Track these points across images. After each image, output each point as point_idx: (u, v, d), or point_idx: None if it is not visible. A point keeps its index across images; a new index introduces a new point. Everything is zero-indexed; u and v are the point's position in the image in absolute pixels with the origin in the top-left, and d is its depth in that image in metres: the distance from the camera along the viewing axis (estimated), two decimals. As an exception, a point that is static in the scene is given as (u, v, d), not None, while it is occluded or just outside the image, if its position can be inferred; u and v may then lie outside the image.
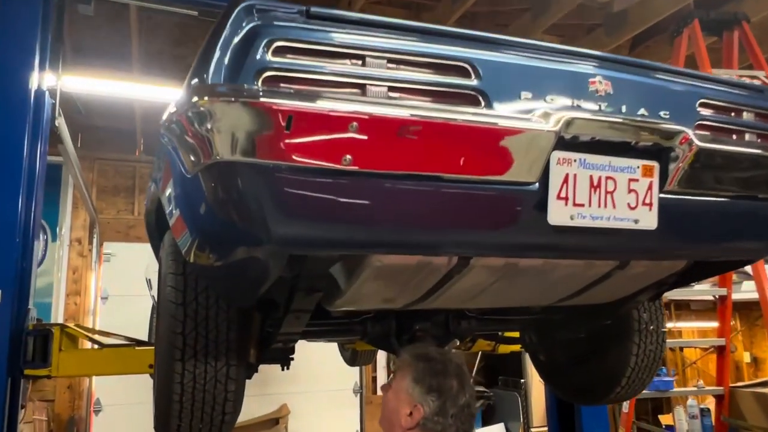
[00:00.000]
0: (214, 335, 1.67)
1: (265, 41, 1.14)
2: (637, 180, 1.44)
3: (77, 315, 6.12)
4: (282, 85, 1.14)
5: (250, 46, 1.13)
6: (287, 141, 1.08)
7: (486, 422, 6.92)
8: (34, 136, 2.81)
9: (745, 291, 5.11)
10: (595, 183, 1.39)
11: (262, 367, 2.08)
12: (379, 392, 7.25)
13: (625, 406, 4.35)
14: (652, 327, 2.30)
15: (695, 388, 4.58)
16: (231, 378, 1.71)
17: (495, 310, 2.37)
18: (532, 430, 6.65)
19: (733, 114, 1.61)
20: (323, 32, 1.21)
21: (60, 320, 5.87)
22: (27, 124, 2.76)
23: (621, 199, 1.42)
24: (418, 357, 1.71)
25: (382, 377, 7.36)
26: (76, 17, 3.98)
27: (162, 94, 4.27)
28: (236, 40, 1.15)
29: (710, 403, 4.89)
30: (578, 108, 1.36)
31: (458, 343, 2.37)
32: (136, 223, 6.59)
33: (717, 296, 4.45)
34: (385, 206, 1.21)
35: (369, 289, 1.54)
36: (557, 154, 1.34)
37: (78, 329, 2.55)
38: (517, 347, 3.12)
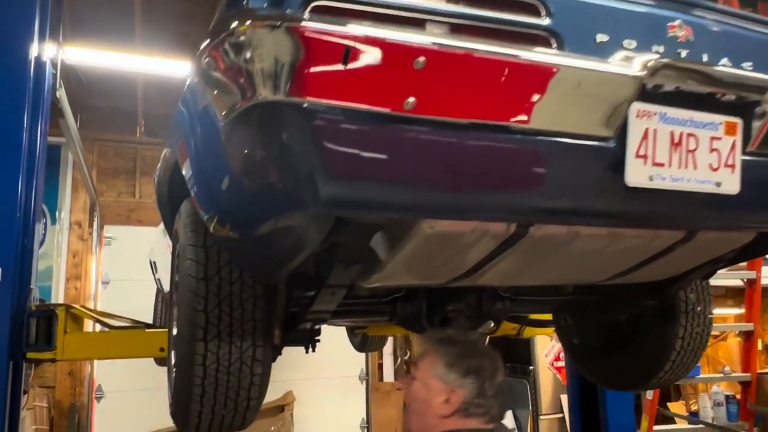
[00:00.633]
0: (239, 313, 1.51)
1: None
2: (719, 138, 1.28)
3: (77, 300, 5.96)
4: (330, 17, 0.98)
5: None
6: (342, 78, 0.92)
7: (494, 409, 6.80)
8: (35, 107, 2.64)
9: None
10: (676, 140, 1.23)
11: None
12: (386, 379, 7.15)
13: (650, 393, 4.23)
14: (699, 308, 2.16)
15: (721, 375, 4.46)
16: (257, 360, 1.55)
17: (531, 290, 2.22)
18: (540, 417, 6.55)
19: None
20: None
21: (60, 305, 5.72)
22: (27, 93, 2.59)
23: (703, 159, 1.26)
24: (443, 341, 1.63)
25: (388, 364, 7.24)
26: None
27: (165, 68, 4.08)
28: None
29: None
30: (657, 55, 1.20)
31: (492, 325, 2.22)
32: (138, 206, 6.42)
33: (745, 279, 4.32)
34: (448, 161, 1.05)
35: (413, 260, 1.38)
36: (637, 106, 1.18)
37: (84, 310, 2.39)
38: (545, 331, 2.97)
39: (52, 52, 2.91)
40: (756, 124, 1.30)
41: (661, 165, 1.22)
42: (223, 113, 1.03)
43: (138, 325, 2.46)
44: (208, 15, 1.13)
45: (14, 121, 2.52)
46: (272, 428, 5.72)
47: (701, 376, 4.38)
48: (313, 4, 0.97)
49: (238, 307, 1.51)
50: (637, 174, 1.19)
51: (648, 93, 1.18)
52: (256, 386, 1.58)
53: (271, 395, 5.86)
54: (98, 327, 3.07)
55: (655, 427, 4.25)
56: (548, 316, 2.64)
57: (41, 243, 5.92)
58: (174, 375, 1.64)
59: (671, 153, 1.23)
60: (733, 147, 1.29)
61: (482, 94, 1.02)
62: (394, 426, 6.80)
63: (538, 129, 1.10)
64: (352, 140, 0.98)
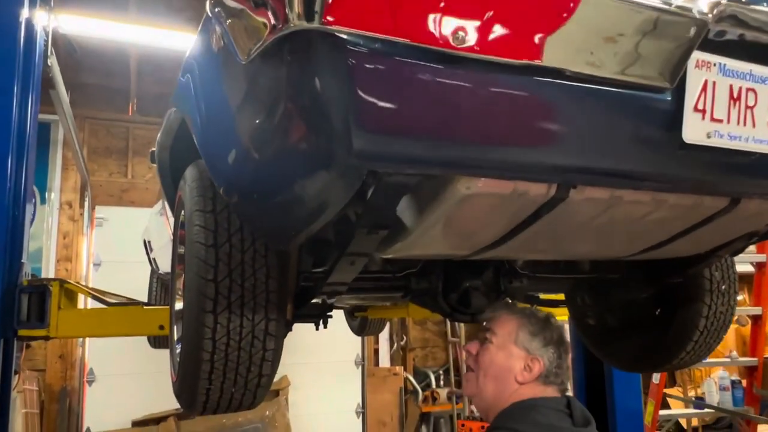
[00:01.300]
0: (251, 283, 1.40)
1: None
2: (779, 94, 1.18)
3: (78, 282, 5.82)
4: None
5: None
6: (384, 3, 0.80)
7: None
8: (26, 75, 2.50)
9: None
10: (735, 95, 1.13)
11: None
12: (382, 364, 7.08)
13: (656, 377, 4.18)
14: (724, 287, 2.07)
15: (728, 359, 4.42)
16: (270, 334, 1.44)
17: (549, 267, 2.13)
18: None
19: None
20: None
21: (50, 287, 5.57)
22: (17, 60, 2.45)
23: (761, 116, 1.16)
24: (522, 311, 1.67)
25: (384, 349, 7.17)
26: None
27: (160, 40, 3.92)
28: None
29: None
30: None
31: (505, 302, 2.12)
32: (130, 186, 6.28)
33: (755, 263, 4.26)
34: (498, 109, 0.94)
35: (442, 227, 1.28)
36: (696, 55, 1.08)
37: (80, 286, 2.27)
38: (557, 311, 2.89)
39: (44, 18, 2.77)
40: (815, 81, 1.20)
41: (720, 121, 1.12)
42: (245, 49, 0.91)
43: (136, 302, 2.35)
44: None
45: (4, 89, 2.39)
46: (267, 413, 5.64)
47: (708, 360, 4.33)
48: None
49: (250, 277, 1.40)
50: (695, 130, 1.09)
51: (709, 41, 1.07)
52: (269, 362, 1.48)
53: (266, 379, 5.83)
54: (90, 306, 2.96)
55: (661, 412, 4.20)
56: (560, 296, 2.55)
57: (31, 222, 5.76)
58: (180, 350, 1.53)
59: (730, 108, 1.13)
60: (791, 105, 1.19)
61: (533, 30, 0.91)
62: (390, 411, 6.75)
63: (590, 76, 0.99)
64: (395, 80, 0.87)
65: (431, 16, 0.85)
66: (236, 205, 1.36)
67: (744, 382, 4.50)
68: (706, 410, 4.56)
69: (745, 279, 4.75)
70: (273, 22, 0.83)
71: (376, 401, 6.64)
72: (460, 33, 0.86)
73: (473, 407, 6.42)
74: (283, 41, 0.86)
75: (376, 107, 0.88)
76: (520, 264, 2.06)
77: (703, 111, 1.10)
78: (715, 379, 4.61)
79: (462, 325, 6.99)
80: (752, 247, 4.10)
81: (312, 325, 1.96)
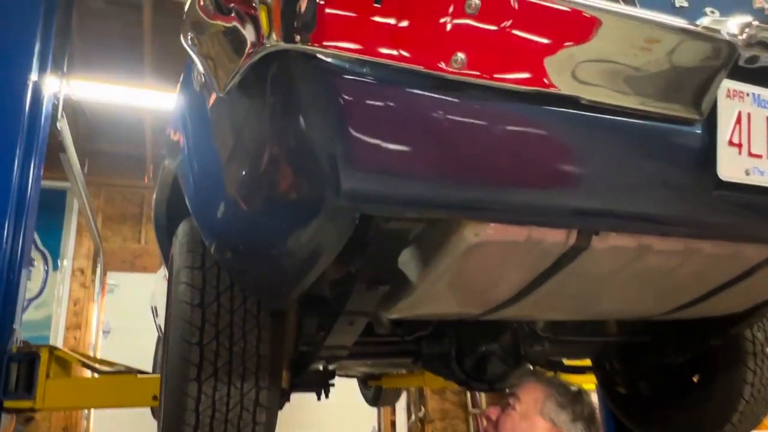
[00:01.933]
0: (240, 347, 1.27)
1: None
2: (821, 128, 1.06)
3: (76, 350, 5.68)
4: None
5: None
6: (375, 21, 0.71)
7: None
8: (30, 139, 2.47)
9: None
10: (773, 128, 1.01)
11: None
12: (400, 437, 6.72)
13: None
14: (768, 349, 1.88)
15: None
16: (261, 405, 1.29)
17: (573, 330, 1.96)
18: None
19: None
20: None
21: (58, 356, 5.45)
22: (21, 123, 2.43)
23: (804, 152, 1.04)
24: (551, 381, 1.59)
25: (401, 421, 6.83)
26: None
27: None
28: None
29: None
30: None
31: (531, 368, 1.95)
32: (143, 252, 6.25)
33: None
34: (507, 142, 0.84)
35: (450, 281, 1.15)
36: (728, 84, 0.97)
37: (71, 353, 2.14)
38: (584, 379, 2.68)
39: (55, 83, 2.79)
40: None
41: (759, 156, 1.00)
42: (222, 80, 0.82)
43: (130, 371, 2.20)
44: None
45: (5, 150, 2.36)
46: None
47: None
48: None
49: (239, 339, 1.27)
50: (731, 166, 0.97)
51: (739, 69, 0.97)
52: (260, 437, 1.32)
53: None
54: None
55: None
56: (587, 361, 2.35)
57: (41, 291, 5.72)
58: (160, 423, 1.38)
59: (768, 143, 1.01)
60: (836, 139, 1.06)
61: (545, 53, 0.81)
62: (409, 488, 6.35)
63: (608, 105, 0.89)
64: (384, 109, 0.76)
65: (430, 37, 0.75)
66: (226, 260, 1.25)
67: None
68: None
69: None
70: (249, 44, 0.74)
71: (392, 476, 6.26)
72: (463, 56, 0.77)
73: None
74: (263, 68, 0.77)
75: (367, 141, 0.77)
76: (540, 326, 1.90)
77: (739, 145, 0.98)
78: None
79: (483, 394, 6.66)
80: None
81: (322, 395, 1.80)
